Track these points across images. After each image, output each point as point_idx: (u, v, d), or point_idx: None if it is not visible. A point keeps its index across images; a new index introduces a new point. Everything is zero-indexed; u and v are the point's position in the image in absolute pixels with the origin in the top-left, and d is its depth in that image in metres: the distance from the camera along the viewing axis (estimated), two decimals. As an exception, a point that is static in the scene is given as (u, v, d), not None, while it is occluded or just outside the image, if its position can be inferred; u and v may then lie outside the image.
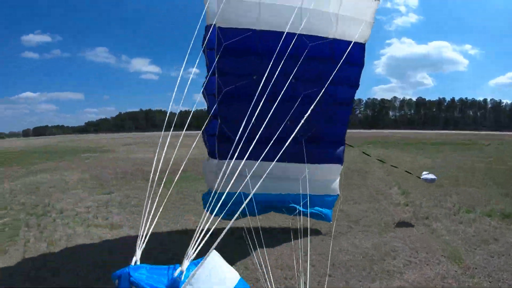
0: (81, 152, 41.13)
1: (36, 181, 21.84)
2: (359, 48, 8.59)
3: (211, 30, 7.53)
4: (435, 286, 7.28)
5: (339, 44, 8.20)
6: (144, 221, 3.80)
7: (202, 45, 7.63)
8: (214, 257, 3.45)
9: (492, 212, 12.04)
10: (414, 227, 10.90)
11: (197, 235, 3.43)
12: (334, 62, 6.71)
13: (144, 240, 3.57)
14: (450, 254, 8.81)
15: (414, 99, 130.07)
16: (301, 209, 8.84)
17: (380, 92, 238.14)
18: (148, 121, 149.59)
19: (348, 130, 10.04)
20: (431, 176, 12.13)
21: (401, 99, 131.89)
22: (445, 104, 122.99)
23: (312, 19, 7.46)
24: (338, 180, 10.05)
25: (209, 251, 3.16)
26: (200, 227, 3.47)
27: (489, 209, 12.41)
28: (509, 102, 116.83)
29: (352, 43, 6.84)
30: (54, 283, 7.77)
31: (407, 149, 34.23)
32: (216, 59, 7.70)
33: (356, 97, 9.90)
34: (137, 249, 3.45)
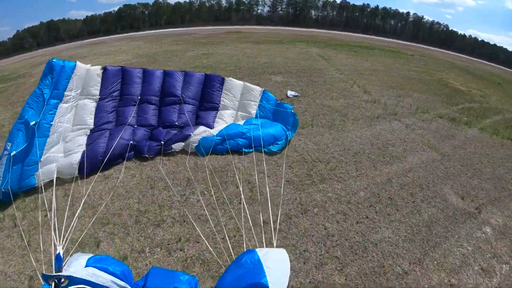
0: (-7, 86, 30.99)
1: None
2: None
3: None
4: (428, 167, 9.93)
5: None
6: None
7: None
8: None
9: (441, 115, 14.85)
10: (390, 122, 13.10)
11: None
12: None
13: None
14: (428, 144, 11.31)
15: (337, 0, 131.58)
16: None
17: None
18: (51, 34, 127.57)
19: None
20: (294, 93, 16.24)
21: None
22: (368, 10, 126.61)
23: None
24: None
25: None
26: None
27: (439, 112, 15.23)
28: (430, 19, 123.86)
29: None
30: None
31: (341, 50, 36.47)
32: None
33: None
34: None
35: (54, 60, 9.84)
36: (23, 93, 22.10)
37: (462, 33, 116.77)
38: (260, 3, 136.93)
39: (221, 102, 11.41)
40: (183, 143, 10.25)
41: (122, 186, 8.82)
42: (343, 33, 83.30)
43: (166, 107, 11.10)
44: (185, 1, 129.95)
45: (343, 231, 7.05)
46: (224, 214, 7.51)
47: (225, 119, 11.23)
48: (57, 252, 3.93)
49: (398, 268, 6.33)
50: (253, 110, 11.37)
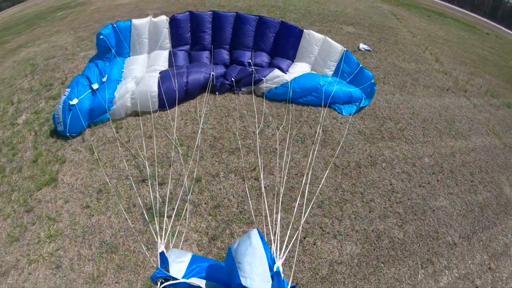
0: (52, 13, 29.57)
1: (27, 58, 16.48)
2: None
3: None
4: (489, 152, 9.94)
5: None
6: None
7: None
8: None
9: (510, 104, 14.24)
10: (459, 97, 12.79)
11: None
12: None
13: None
14: (493, 130, 11.12)
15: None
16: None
17: None
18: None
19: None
20: (367, 46, 15.50)
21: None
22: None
23: None
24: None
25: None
26: None
27: (508, 101, 14.57)
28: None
29: None
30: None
31: (413, 11, 34.01)
32: None
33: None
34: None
35: (108, 28, 9.96)
36: (84, 20, 22.21)
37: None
38: None
39: (296, 56, 10.78)
40: (253, 87, 10.13)
41: (194, 111, 9.15)
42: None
43: (238, 50, 10.80)
44: None
45: (406, 190, 7.42)
46: (298, 152, 7.92)
47: (299, 68, 10.57)
48: (160, 251, 3.89)
49: (449, 238, 6.72)
50: (330, 71, 10.47)
